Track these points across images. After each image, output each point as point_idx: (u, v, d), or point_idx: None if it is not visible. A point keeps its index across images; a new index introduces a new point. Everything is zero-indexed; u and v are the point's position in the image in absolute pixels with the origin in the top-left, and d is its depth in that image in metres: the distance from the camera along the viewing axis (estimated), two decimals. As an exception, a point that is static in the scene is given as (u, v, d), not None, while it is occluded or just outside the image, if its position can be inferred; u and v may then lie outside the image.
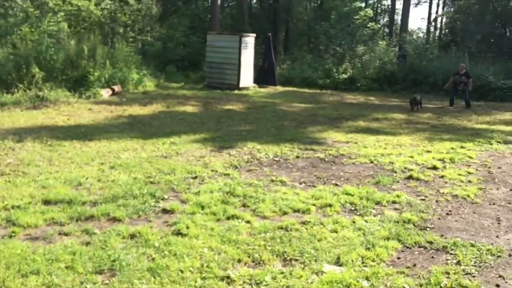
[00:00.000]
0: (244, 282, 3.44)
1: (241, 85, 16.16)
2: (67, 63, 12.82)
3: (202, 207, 4.89)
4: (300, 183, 6.02)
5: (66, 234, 4.12)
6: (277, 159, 7.19)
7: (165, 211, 4.83)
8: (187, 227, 4.33)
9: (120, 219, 4.52)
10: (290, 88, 17.63)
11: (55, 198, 4.91)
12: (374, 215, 4.93)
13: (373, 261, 3.85)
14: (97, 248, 3.85)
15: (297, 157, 7.36)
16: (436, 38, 30.97)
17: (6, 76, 11.51)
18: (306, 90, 17.38)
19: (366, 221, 4.72)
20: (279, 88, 17.46)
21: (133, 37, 18.80)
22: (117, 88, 13.28)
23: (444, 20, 33.10)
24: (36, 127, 8.60)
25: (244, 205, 5.08)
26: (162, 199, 5.14)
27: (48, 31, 12.88)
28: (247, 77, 16.45)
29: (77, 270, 3.44)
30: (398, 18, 29.53)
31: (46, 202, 4.85)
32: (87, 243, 3.94)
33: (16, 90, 11.23)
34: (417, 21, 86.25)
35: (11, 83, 11.41)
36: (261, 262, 3.78)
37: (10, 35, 13.07)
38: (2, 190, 5.16)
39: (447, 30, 31.82)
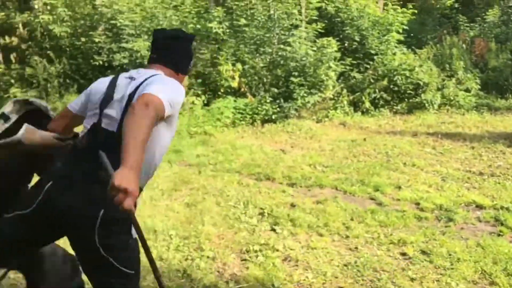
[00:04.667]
0: None
1: None
2: None
3: None
4: None
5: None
6: None
7: None
8: None
9: None
10: None
11: (548, 209, 4.61)
12: None
13: None
14: None
15: None
16: None
17: (502, 82, 11.65)
18: None
19: None
20: None
21: None
22: None
23: None
24: (529, 134, 8.27)
25: None
26: None
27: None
28: None
29: None
30: None
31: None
32: None
33: (510, 95, 11.18)
34: None
35: (506, 89, 11.45)
36: None
37: (510, 41, 13.09)
38: (492, 190, 5.33)
39: None
